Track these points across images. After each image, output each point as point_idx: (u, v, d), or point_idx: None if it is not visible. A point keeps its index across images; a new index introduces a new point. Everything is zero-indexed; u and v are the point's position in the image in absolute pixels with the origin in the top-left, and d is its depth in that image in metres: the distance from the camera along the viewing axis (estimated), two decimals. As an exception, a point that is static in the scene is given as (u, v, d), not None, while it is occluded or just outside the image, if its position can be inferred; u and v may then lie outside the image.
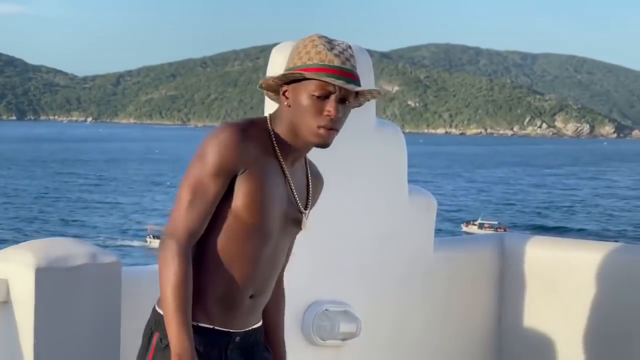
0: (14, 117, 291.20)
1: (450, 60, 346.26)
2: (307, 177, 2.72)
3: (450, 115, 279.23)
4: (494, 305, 4.39)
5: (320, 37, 2.59)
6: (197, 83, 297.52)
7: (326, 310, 3.80)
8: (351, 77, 2.55)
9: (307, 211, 2.67)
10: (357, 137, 3.85)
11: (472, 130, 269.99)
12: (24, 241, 3.29)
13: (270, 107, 3.75)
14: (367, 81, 3.89)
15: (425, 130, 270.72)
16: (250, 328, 2.65)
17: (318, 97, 2.52)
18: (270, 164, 2.56)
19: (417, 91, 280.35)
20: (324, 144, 2.59)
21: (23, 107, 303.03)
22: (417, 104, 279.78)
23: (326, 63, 2.52)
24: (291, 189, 2.61)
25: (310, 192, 2.71)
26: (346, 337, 3.82)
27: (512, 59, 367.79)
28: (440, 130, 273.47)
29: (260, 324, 2.71)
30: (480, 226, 48.61)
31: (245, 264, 2.57)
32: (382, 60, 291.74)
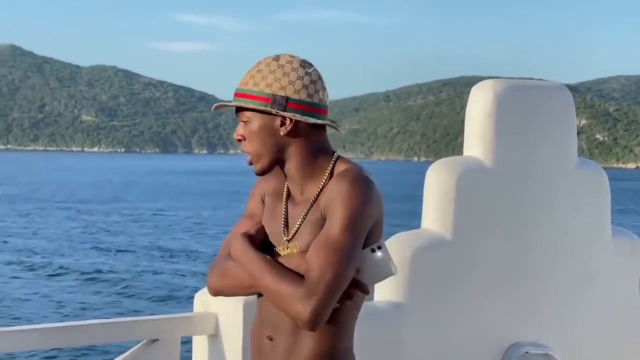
0: (205, 151, 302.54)
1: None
2: (311, 203, 2.43)
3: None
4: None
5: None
6: (380, 117, 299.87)
7: (526, 352, 3.74)
8: (237, 95, 2.46)
9: (290, 242, 2.43)
10: (558, 176, 3.81)
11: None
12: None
13: (470, 147, 3.76)
14: (566, 116, 3.85)
15: (615, 165, 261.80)
16: None
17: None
18: (279, 192, 2.51)
19: (606, 125, 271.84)
20: (254, 169, 2.47)
21: (214, 141, 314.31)
22: (606, 138, 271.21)
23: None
24: (286, 218, 2.47)
25: (304, 219, 2.42)
26: (547, 381, 3.74)
27: None
28: (631, 165, 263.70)
29: None
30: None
31: (258, 299, 2.49)
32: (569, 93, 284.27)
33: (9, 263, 30.56)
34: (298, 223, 2.42)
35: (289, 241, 2.43)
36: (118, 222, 46.78)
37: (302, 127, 2.41)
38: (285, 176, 2.47)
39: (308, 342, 2.37)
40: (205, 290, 3.38)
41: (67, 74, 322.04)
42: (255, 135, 2.42)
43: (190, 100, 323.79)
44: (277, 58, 2.42)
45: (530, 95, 3.80)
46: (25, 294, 24.44)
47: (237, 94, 2.42)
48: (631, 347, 4.04)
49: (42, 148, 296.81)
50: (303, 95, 2.39)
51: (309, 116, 2.39)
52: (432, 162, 3.83)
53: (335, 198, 2.32)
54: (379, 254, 2.32)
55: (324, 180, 2.40)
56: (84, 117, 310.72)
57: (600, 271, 3.94)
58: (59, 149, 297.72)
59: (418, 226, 3.73)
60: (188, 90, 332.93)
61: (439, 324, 3.61)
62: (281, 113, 2.38)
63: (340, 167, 2.41)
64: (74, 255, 33.10)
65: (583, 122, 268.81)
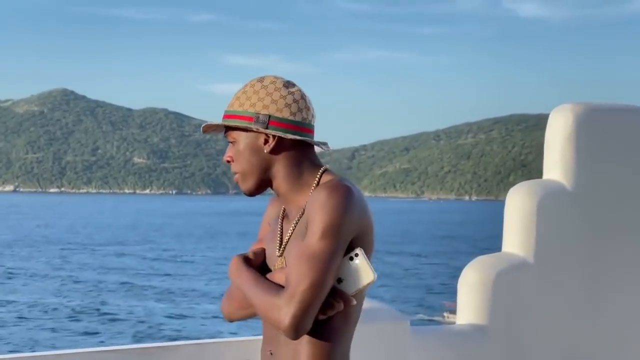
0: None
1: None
2: (297, 219, 2.46)
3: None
4: None
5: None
6: (431, 156, 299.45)
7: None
8: (224, 116, 2.49)
9: (280, 258, 2.47)
10: (641, 199, 3.79)
11: None
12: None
13: (550, 170, 3.76)
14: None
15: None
16: None
17: None
18: (276, 213, 2.57)
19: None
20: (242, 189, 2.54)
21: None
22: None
23: None
24: (280, 236, 2.50)
25: (292, 234, 2.46)
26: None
27: None
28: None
29: None
30: None
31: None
32: None
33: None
34: (286, 238, 2.46)
35: (280, 257, 2.47)
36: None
37: (286, 144, 2.44)
38: (278, 195, 2.51)
39: (305, 352, 2.39)
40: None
41: (119, 117, 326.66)
42: (241, 155, 2.47)
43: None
44: (261, 79, 2.48)
45: (609, 117, 3.80)
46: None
47: (225, 116, 2.48)
48: None
49: (94, 191, 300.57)
50: (286, 114, 2.43)
51: (292, 134, 2.43)
52: (483, 200, 3.83)
53: (314, 207, 2.32)
54: (357, 261, 2.32)
55: (310, 194, 2.42)
56: (136, 160, 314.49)
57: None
58: (111, 191, 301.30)
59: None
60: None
61: (520, 347, 3.59)
62: (262, 130, 2.42)
63: (324, 179, 2.44)
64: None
65: None
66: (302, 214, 2.42)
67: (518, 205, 3.67)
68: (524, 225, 3.64)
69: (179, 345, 3.13)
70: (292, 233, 2.44)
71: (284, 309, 2.27)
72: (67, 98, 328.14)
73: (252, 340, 3.19)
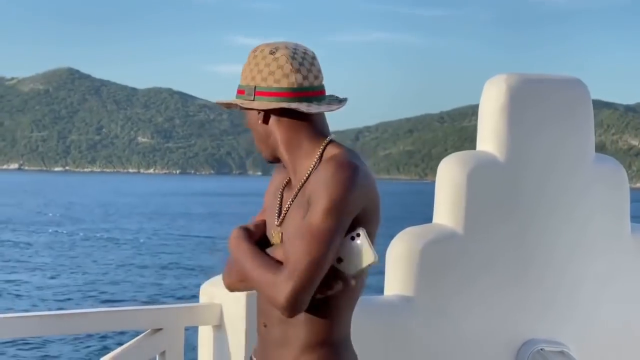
0: (259, 173, 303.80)
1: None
2: (297, 189, 2.42)
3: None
4: None
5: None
6: (434, 138, 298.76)
7: (541, 349, 3.67)
8: (238, 92, 2.45)
9: (278, 228, 2.44)
10: (574, 171, 3.75)
11: None
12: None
13: (483, 142, 3.72)
14: (582, 111, 3.78)
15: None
16: None
17: None
18: (279, 183, 2.52)
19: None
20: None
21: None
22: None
23: None
24: (279, 205, 2.47)
25: (292, 204, 2.42)
26: (562, 379, 3.67)
27: None
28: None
29: None
30: None
31: None
32: (627, 113, 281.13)
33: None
34: (286, 208, 2.42)
35: (278, 226, 2.43)
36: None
37: (276, 113, 2.39)
38: (285, 165, 2.47)
39: (300, 330, 2.37)
40: (211, 281, 3.38)
41: (124, 96, 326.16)
42: (250, 127, 2.47)
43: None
44: (254, 50, 2.43)
45: (544, 89, 3.75)
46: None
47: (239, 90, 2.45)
48: (651, 346, 3.94)
49: (99, 170, 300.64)
50: (270, 82, 2.36)
51: (278, 101, 2.36)
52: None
53: (319, 184, 2.28)
54: (358, 241, 2.29)
55: (312, 165, 2.37)
56: (140, 139, 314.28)
57: (618, 268, 3.86)
58: (115, 170, 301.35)
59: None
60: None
61: (449, 319, 3.56)
62: (247, 104, 2.38)
63: (330, 152, 2.37)
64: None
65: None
66: (303, 184, 2.37)
67: (449, 177, 3.64)
68: (454, 197, 3.60)
69: (88, 313, 3.12)
70: (291, 203, 2.39)
71: (281, 287, 2.25)
72: (72, 77, 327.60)
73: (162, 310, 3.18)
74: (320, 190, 2.27)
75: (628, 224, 3.89)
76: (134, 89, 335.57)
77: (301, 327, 2.36)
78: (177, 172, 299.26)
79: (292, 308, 2.25)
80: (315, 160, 2.37)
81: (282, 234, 2.41)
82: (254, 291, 3.18)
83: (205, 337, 3.34)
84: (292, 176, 2.44)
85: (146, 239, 48.98)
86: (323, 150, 2.38)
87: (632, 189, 3.93)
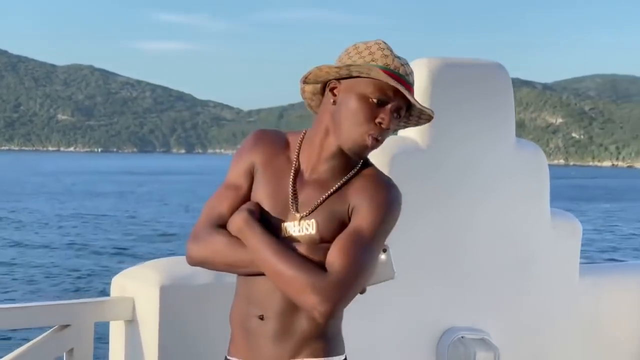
0: (183, 151, 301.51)
1: (617, 92, 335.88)
2: (335, 188, 2.34)
3: (617, 148, 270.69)
4: (647, 338, 4.11)
5: (386, 43, 2.35)
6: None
7: (462, 337, 3.63)
8: (411, 90, 2.34)
9: (302, 214, 2.31)
10: (495, 156, 3.70)
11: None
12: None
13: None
14: (503, 95, 3.73)
15: (591, 163, 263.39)
16: None
17: (374, 101, 2.30)
18: (280, 167, 2.37)
19: (582, 123, 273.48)
20: (364, 154, 2.36)
21: (192, 141, 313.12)
22: (582, 136, 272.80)
23: (391, 68, 2.29)
24: (294, 193, 2.34)
25: (323, 203, 2.33)
26: (482, 367, 3.64)
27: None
28: (607, 163, 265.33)
29: None
30: None
31: (242, 277, 2.38)
32: (545, 92, 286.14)
33: None
34: (316, 203, 2.31)
35: (302, 218, 2.31)
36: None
37: None
38: (310, 151, 2.36)
39: (301, 323, 2.30)
40: (123, 273, 3.24)
41: (43, 73, 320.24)
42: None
43: (168, 100, 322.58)
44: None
45: (465, 73, 3.68)
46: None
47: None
48: (570, 330, 3.94)
49: (17, 148, 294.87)
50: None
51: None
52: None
53: (372, 200, 2.30)
54: (383, 256, 2.36)
55: (352, 172, 2.35)
56: (60, 117, 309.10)
57: (539, 253, 3.84)
58: (34, 148, 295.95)
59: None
60: (165, 89, 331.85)
61: (368, 308, 3.49)
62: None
63: (368, 162, 2.41)
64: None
65: (559, 120, 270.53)
66: (338, 189, 2.32)
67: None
68: (374, 183, 3.52)
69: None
70: (322, 201, 2.31)
71: (327, 294, 2.20)
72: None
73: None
74: (374, 208, 2.30)
75: (548, 209, 3.86)
76: (53, 66, 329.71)
77: (304, 319, 2.30)
78: (99, 150, 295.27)
79: (331, 316, 2.24)
80: (357, 168, 2.38)
81: (313, 226, 2.29)
82: (167, 285, 3.07)
83: (116, 332, 3.20)
84: (309, 166, 2.35)
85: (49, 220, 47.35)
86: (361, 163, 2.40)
87: (549, 166, 3.90)
